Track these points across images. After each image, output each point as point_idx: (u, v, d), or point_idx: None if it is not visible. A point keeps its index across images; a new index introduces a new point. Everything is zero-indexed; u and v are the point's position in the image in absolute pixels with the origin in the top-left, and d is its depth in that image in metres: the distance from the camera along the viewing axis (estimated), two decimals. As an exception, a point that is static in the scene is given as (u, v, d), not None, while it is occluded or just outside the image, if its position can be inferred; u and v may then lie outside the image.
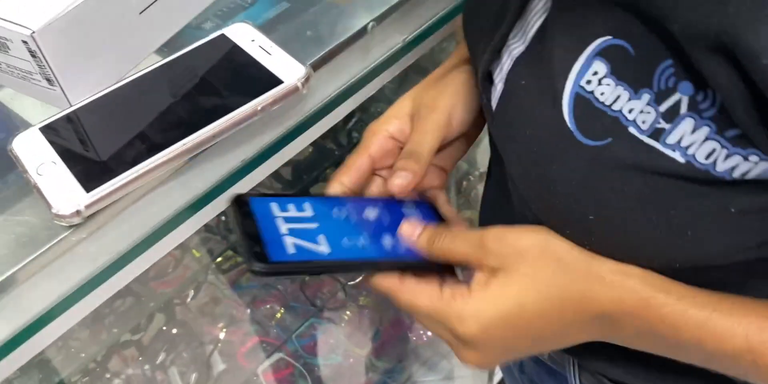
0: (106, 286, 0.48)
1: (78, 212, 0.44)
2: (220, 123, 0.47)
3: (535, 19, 0.43)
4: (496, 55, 0.46)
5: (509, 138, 0.44)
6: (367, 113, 1.08)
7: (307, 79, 0.50)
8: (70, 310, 0.46)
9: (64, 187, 0.44)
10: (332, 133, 1.06)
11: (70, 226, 0.44)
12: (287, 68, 0.50)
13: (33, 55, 0.46)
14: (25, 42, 0.46)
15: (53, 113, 0.49)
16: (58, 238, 0.44)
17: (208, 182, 0.50)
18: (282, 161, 0.54)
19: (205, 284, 1.03)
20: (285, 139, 0.53)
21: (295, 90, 0.49)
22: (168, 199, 0.49)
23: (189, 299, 1.04)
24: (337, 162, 1.08)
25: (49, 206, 0.44)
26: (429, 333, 1.19)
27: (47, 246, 0.44)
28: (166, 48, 0.54)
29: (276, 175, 1.02)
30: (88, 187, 0.44)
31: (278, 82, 0.49)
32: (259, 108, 0.48)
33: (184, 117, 0.48)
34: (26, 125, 0.49)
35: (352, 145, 1.11)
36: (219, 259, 1.05)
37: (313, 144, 0.60)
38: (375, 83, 0.57)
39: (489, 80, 0.47)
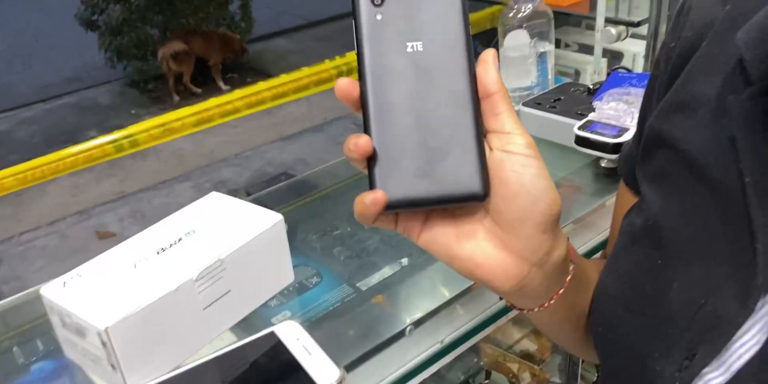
0: None
1: None
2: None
3: (742, 352, 0.37)
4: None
5: None
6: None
7: (340, 383, 0.53)
8: None
9: None
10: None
11: None
12: (323, 370, 0.54)
13: (104, 344, 0.53)
14: (99, 333, 0.52)
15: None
16: None
17: None
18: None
19: None
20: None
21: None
22: None
23: None
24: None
25: None
26: None
27: None
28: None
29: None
30: None
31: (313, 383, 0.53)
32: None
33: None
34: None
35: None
36: None
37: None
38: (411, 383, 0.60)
39: None
